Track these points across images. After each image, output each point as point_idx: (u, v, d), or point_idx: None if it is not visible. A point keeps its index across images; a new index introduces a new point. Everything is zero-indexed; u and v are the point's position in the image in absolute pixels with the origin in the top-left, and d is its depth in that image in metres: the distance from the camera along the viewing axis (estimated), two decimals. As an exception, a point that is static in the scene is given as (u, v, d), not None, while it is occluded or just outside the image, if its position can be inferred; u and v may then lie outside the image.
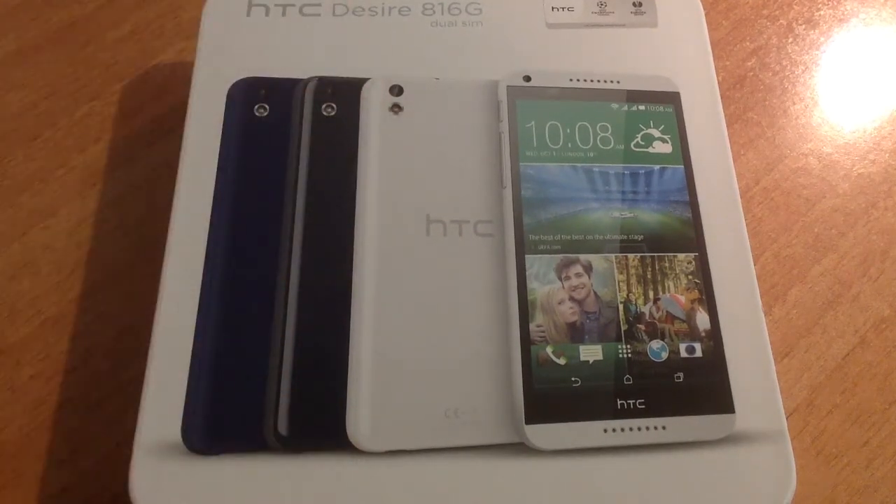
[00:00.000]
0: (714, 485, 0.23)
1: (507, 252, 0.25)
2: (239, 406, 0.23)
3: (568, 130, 0.27)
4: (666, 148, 0.28)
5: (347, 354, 0.24)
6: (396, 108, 0.27)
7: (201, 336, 0.24)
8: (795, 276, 0.30)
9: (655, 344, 0.25)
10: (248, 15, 0.29)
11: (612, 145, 0.27)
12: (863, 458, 0.27)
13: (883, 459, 0.27)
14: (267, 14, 0.30)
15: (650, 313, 0.25)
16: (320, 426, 0.23)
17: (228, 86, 0.28)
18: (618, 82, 0.28)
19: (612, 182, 0.27)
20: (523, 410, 0.23)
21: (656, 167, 0.27)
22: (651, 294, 0.25)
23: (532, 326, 0.24)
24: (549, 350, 0.24)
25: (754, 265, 0.26)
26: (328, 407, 0.23)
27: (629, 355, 0.24)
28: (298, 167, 0.26)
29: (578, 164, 0.27)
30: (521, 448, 0.23)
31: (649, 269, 0.26)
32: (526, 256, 0.25)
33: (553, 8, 0.30)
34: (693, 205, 0.27)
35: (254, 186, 0.26)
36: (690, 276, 0.26)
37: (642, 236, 0.26)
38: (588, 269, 0.25)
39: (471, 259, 0.25)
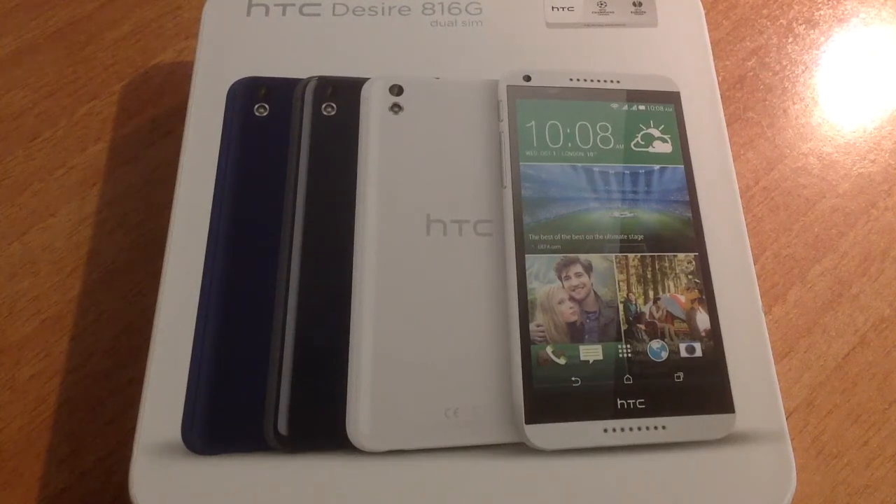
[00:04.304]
0: (714, 485, 0.23)
1: (507, 252, 0.25)
2: (239, 406, 0.23)
3: (568, 130, 0.27)
4: (666, 147, 0.28)
5: (347, 354, 0.24)
6: (396, 107, 0.27)
7: (201, 336, 0.24)
8: (795, 276, 0.30)
9: (655, 344, 0.25)
10: (248, 15, 0.29)
11: (612, 145, 0.27)
12: (863, 458, 0.27)
13: (883, 459, 0.27)
14: (267, 14, 0.30)
15: (650, 313, 0.25)
16: (320, 426, 0.23)
17: (228, 86, 0.28)
18: (618, 82, 0.28)
19: (612, 182, 0.27)
20: (523, 410, 0.23)
21: (656, 167, 0.27)
22: (651, 294, 0.25)
23: (532, 326, 0.24)
24: (549, 350, 0.24)
25: (754, 265, 0.26)
26: (328, 407, 0.23)
27: (629, 355, 0.24)
28: (298, 167, 0.26)
29: (578, 164, 0.27)
30: (521, 448, 0.23)
31: (649, 268, 0.26)
32: (526, 256, 0.25)
33: (553, 7, 0.30)
34: (693, 204, 0.27)
35: (254, 186, 0.26)
36: (690, 276, 0.26)
37: (642, 236, 0.26)
38: (588, 268, 0.25)
39: (471, 259, 0.25)
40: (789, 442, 0.23)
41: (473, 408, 0.23)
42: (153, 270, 0.26)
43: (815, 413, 0.28)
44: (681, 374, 0.24)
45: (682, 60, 0.29)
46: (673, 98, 0.28)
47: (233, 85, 0.28)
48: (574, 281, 0.25)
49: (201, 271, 0.25)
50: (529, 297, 0.25)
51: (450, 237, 0.25)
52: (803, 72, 0.35)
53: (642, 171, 0.27)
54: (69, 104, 0.33)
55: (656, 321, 0.25)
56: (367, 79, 0.28)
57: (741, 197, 0.27)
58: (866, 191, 0.32)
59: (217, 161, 0.27)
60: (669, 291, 0.25)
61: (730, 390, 0.24)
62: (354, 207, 0.26)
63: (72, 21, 0.35)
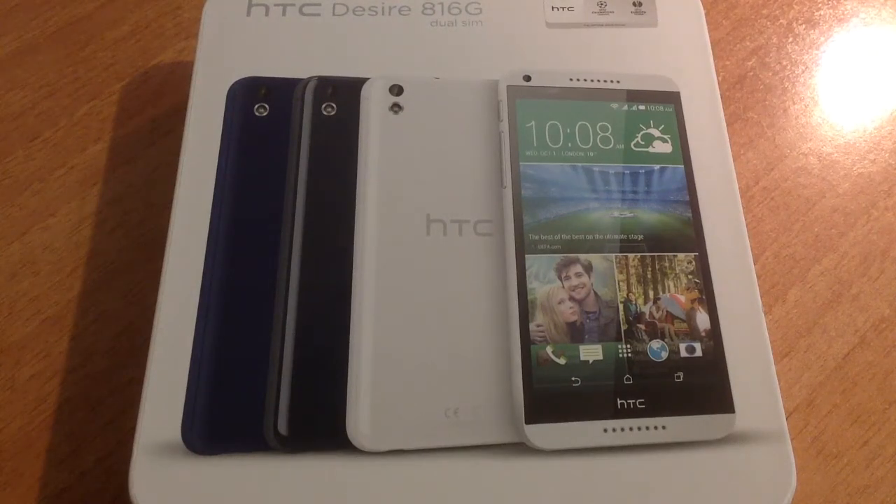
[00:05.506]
0: (714, 485, 0.23)
1: (507, 252, 0.25)
2: (239, 406, 0.23)
3: (568, 130, 0.27)
4: (666, 147, 0.28)
5: (347, 354, 0.24)
6: (396, 107, 0.27)
7: (201, 336, 0.24)
8: (795, 276, 0.30)
9: (655, 344, 0.25)
10: (248, 15, 0.29)
11: (612, 145, 0.27)
12: (863, 458, 0.27)
13: (883, 459, 0.27)
14: (267, 14, 0.30)
15: (650, 313, 0.25)
16: (320, 426, 0.23)
17: (228, 86, 0.28)
18: (618, 82, 0.28)
19: (612, 182, 0.27)
20: (523, 410, 0.23)
21: (656, 167, 0.27)
22: (651, 294, 0.25)
23: (532, 326, 0.24)
24: (549, 350, 0.24)
25: (754, 265, 0.26)
26: (328, 407, 0.23)
27: (629, 355, 0.24)
28: (298, 167, 0.26)
29: (578, 164, 0.27)
30: (521, 448, 0.23)
31: (649, 268, 0.26)
32: (526, 256, 0.25)
33: (553, 7, 0.30)
34: (693, 204, 0.27)
35: (254, 186, 0.26)
36: (690, 276, 0.26)
37: (642, 236, 0.26)
38: (588, 268, 0.25)
39: (471, 259, 0.25)
40: (789, 442, 0.23)
41: (473, 408, 0.23)
42: (153, 270, 0.26)
43: (815, 413, 0.28)
44: (681, 374, 0.24)
45: (682, 60, 0.29)
46: (673, 98, 0.28)
47: (233, 85, 0.28)
48: (574, 281, 0.25)
49: (201, 271, 0.25)
50: (529, 297, 0.25)
51: (450, 237, 0.25)
52: (803, 72, 0.35)
53: (642, 171, 0.27)
54: (69, 104, 0.33)
55: (656, 321, 0.25)
56: (367, 79, 0.28)
57: (741, 197, 0.27)
58: (866, 191, 0.32)
59: (217, 161, 0.27)
60: (669, 291, 0.25)
61: (730, 390, 0.24)
62: (354, 207, 0.26)
63: (72, 21, 0.35)
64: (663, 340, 0.25)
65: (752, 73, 0.35)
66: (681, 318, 0.25)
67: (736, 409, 0.24)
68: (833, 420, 0.28)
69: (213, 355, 0.24)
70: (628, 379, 0.24)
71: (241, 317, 0.24)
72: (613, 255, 0.26)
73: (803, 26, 0.36)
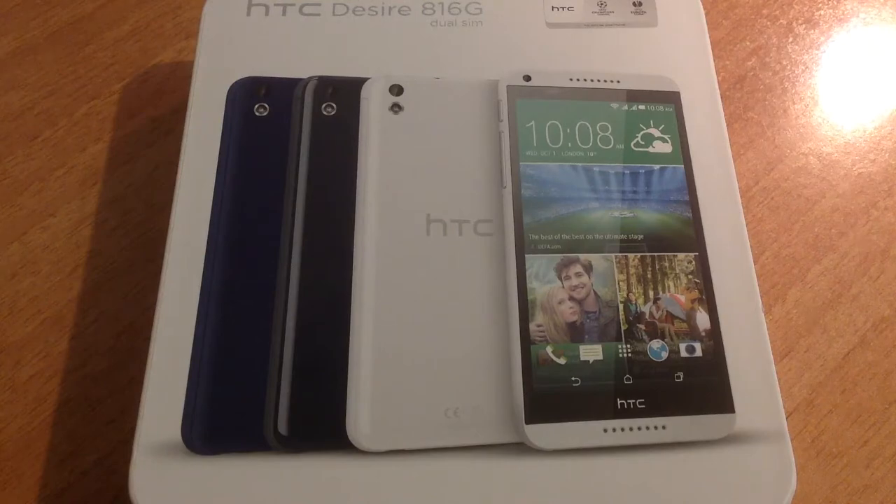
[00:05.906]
0: (714, 485, 0.23)
1: (507, 252, 0.25)
2: (239, 406, 0.23)
3: (568, 130, 0.27)
4: (666, 147, 0.28)
5: (347, 354, 0.24)
6: (396, 107, 0.27)
7: (201, 336, 0.24)
8: (795, 276, 0.30)
9: (655, 343, 0.25)
10: (248, 15, 0.29)
11: (612, 145, 0.27)
12: (863, 458, 0.27)
13: (883, 459, 0.27)
14: (267, 14, 0.30)
15: (650, 313, 0.25)
16: (320, 426, 0.23)
17: (228, 85, 0.28)
18: (618, 82, 0.28)
19: (612, 181, 0.27)
20: (523, 410, 0.23)
21: (656, 167, 0.27)
22: (651, 294, 0.25)
23: (532, 326, 0.24)
24: (549, 350, 0.24)
25: (754, 265, 0.26)
26: (328, 407, 0.23)
27: (629, 355, 0.24)
28: (298, 167, 0.26)
29: (578, 164, 0.27)
30: (521, 448, 0.23)
31: (649, 268, 0.26)
32: (526, 256, 0.25)
33: (553, 7, 0.30)
34: (693, 204, 0.27)
35: (254, 186, 0.26)
36: (690, 276, 0.26)
37: (642, 236, 0.26)
38: (588, 268, 0.25)
39: (471, 259, 0.25)
40: (789, 442, 0.23)
41: (473, 408, 0.23)
42: (153, 270, 0.26)
43: (815, 413, 0.28)
44: (681, 374, 0.24)
45: (682, 60, 0.29)
46: (673, 98, 0.28)
47: (233, 85, 0.28)
48: (574, 281, 0.25)
49: (201, 271, 0.25)
50: (529, 297, 0.25)
51: (450, 237, 0.25)
52: (803, 72, 0.35)
53: (642, 170, 0.27)
54: (69, 104, 0.33)
55: (656, 321, 0.25)
56: (367, 79, 0.28)
57: (741, 197, 0.27)
58: (866, 191, 0.32)
59: (217, 161, 0.27)
60: (669, 291, 0.25)
61: (730, 390, 0.24)
62: (354, 207, 0.26)
63: (72, 21, 0.35)
64: (663, 340, 0.25)
65: (752, 73, 0.35)
66: (681, 318, 0.25)
67: (736, 409, 0.24)
68: (833, 420, 0.28)
69: (213, 355, 0.24)
70: (628, 379, 0.24)
71: (241, 317, 0.24)
72: (613, 254, 0.26)
73: (803, 26, 0.36)
